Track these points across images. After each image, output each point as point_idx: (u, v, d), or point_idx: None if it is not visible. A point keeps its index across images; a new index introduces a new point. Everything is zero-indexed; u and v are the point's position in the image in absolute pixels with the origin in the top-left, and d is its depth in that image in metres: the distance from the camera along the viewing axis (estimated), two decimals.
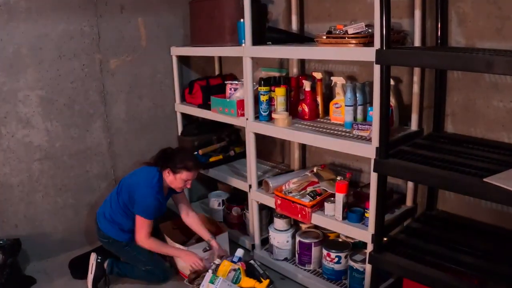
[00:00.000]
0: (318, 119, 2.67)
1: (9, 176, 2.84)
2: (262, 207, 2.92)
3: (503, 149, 2.00)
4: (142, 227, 2.60)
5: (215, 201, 3.37)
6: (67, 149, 3.03)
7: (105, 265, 2.67)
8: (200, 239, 2.84)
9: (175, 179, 2.63)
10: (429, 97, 2.34)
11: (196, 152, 3.26)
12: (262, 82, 2.64)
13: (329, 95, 2.74)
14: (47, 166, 2.97)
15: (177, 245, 2.73)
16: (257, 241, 2.94)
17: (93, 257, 2.68)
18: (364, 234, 2.23)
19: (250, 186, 2.86)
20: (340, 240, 2.67)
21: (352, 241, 2.60)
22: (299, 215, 2.49)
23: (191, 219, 2.84)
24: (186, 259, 2.63)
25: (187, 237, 2.97)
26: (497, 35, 2.03)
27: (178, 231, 2.99)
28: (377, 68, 1.93)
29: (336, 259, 2.53)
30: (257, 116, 2.72)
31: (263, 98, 2.65)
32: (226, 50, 2.93)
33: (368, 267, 2.26)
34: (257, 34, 2.66)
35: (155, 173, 2.65)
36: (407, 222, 2.44)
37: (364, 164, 2.73)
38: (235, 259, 2.51)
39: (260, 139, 2.77)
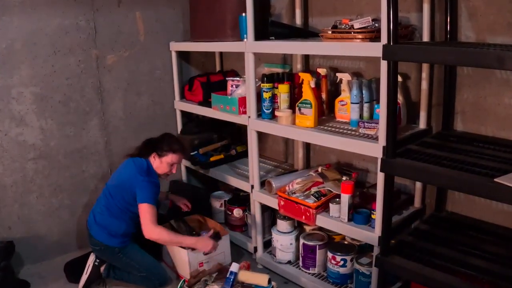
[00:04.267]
0: (323, 117, 2.67)
1: (2, 176, 2.86)
2: (264, 208, 2.93)
3: None
4: (148, 213, 2.56)
5: (216, 202, 3.38)
6: (63, 148, 3.05)
7: (102, 269, 2.69)
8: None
9: (161, 163, 2.70)
10: (438, 94, 2.35)
11: (196, 151, 3.27)
12: (265, 78, 2.65)
13: (334, 92, 2.74)
14: (42, 166, 2.99)
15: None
16: (259, 243, 2.95)
17: (91, 258, 2.70)
18: (371, 236, 2.24)
19: (252, 187, 2.87)
20: (345, 242, 2.68)
21: (358, 243, 2.61)
22: (303, 217, 2.50)
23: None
24: (202, 246, 2.66)
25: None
26: (509, 30, 2.04)
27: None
28: (384, 64, 1.93)
29: (342, 262, 2.54)
30: (260, 114, 2.73)
31: (266, 95, 2.66)
32: (227, 45, 2.94)
33: (374, 271, 2.27)
34: (260, 29, 2.66)
35: (143, 161, 2.70)
36: (415, 224, 2.44)
37: (370, 163, 2.74)
38: (230, 276, 2.39)
39: (263, 137, 2.78)
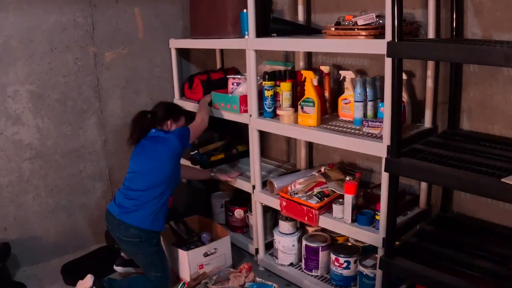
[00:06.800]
0: (326, 116, 2.68)
1: None
2: (266, 209, 2.94)
3: None
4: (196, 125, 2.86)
5: (217, 203, 3.39)
6: (59, 148, 3.06)
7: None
8: (198, 240, 2.90)
9: (178, 128, 2.80)
10: (444, 92, 2.35)
11: (196, 151, 3.28)
12: (267, 76, 2.66)
13: (337, 90, 2.75)
14: (38, 166, 3.00)
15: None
16: (261, 245, 2.96)
17: (87, 282, 2.53)
18: (375, 237, 2.25)
19: (253, 187, 2.88)
20: (349, 244, 2.69)
21: (362, 245, 2.62)
22: (306, 218, 2.51)
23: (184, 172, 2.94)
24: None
25: (181, 239, 3.00)
26: None
27: (174, 235, 3.01)
28: (388, 62, 1.94)
29: (345, 264, 2.54)
30: (261, 113, 2.74)
31: (268, 93, 2.66)
32: (228, 42, 2.95)
33: (379, 273, 2.27)
34: (261, 25, 2.67)
35: (153, 132, 2.74)
36: (421, 225, 2.45)
37: (374, 163, 2.75)
38: None
39: (265, 136, 2.78)
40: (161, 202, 2.63)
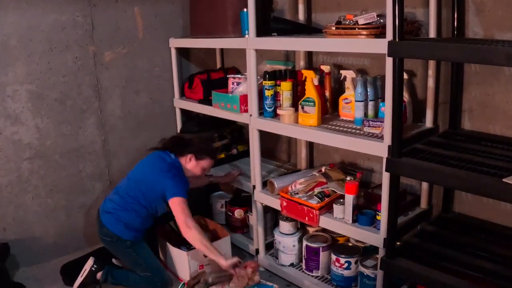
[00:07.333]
0: (327, 115, 2.68)
1: None
2: (266, 209, 2.95)
3: None
4: (182, 208, 2.52)
5: (217, 203, 3.39)
6: (59, 148, 3.06)
7: (99, 275, 2.69)
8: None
9: (196, 166, 2.71)
10: (445, 92, 2.35)
11: None
12: (267, 75, 2.66)
13: (338, 90, 2.75)
14: (38, 166, 3.00)
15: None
16: (261, 245, 2.96)
17: (89, 263, 2.71)
18: (376, 238, 2.25)
19: (254, 187, 2.88)
20: (350, 244, 2.69)
21: (362, 245, 2.62)
22: (306, 218, 2.51)
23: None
24: (223, 264, 2.49)
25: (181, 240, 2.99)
26: None
27: (174, 235, 3.01)
28: (389, 61, 1.94)
29: (346, 265, 2.55)
30: (262, 112, 2.74)
31: (268, 93, 2.66)
32: (228, 41, 2.95)
33: (379, 273, 2.27)
34: (262, 25, 2.67)
35: (171, 156, 2.70)
36: (422, 225, 2.45)
37: (375, 163, 2.75)
38: None
39: (265, 136, 2.78)
40: (138, 218, 2.67)
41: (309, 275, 2.73)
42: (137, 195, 2.65)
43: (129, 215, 2.66)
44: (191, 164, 2.70)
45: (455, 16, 2.18)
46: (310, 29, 2.84)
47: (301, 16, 2.88)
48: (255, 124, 2.74)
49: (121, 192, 2.71)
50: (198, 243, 2.50)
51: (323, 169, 2.72)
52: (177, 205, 2.53)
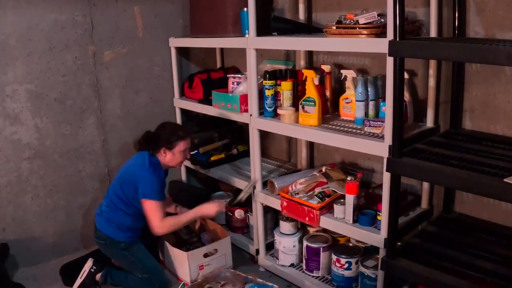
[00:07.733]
0: (327, 115, 2.68)
1: None
2: (267, 210, 2.94)
3: None
4: (154, 211, 2.59)
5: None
6: (58, 147, 3.06)
7: (98, 276, 2.70)
8: (198, 240, 2.93)
9: (174, 155, 2.71)
10: (446, 92, 2.35)
11: (196, 150, 3.28)
12: (267, 75, 2.66)
13: (338, 90, 2.75)
14: (37, 166, 3.00)
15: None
16: (261, 245, 2.96)
17: (88, 264, 2.71)
18: (376, 238, 2.25)
19: (254, 187, 2.88)
20: (350, 244, 2.69)
21: (363, 245, 2.62)
22: (307, 218, 2.51)
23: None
24: (210, 211, 2.73)
25: (181, 240, 3.00)
26: None
27: (174, 235, 3.02)
28: (390, 61, 1.94)
29: (346, 265, 2.55)
30: (262, 112, 2.74)
31: (268, 92, 2.66)
32: (228, 41, 2.95)
33: (380, 274, 2.27)
34: (262, 24, 2.67)
35: (146, 155, 2.70)
36: (422, 225, 2.45)
37: (376, 163, 2.75)
38: None
39: (265, 136, 2.78)
40: (128, 217, 2.69)
41: (309, 275, 2.73)
42: (121, 194, 2.68)
43: (118, 215, 2.69)
44: (168, 158, 2.71)
45: (456, 15, 2.17)
46: (310, 28, 2.84)
47: (301, 16, 2.88)
48: (255, 124, 2.74)
49: (109, 193, 2.75)
50: (173, 227, 2.70)
51: (323, 169, 2.72)
52: (148, 208, 2.61)
